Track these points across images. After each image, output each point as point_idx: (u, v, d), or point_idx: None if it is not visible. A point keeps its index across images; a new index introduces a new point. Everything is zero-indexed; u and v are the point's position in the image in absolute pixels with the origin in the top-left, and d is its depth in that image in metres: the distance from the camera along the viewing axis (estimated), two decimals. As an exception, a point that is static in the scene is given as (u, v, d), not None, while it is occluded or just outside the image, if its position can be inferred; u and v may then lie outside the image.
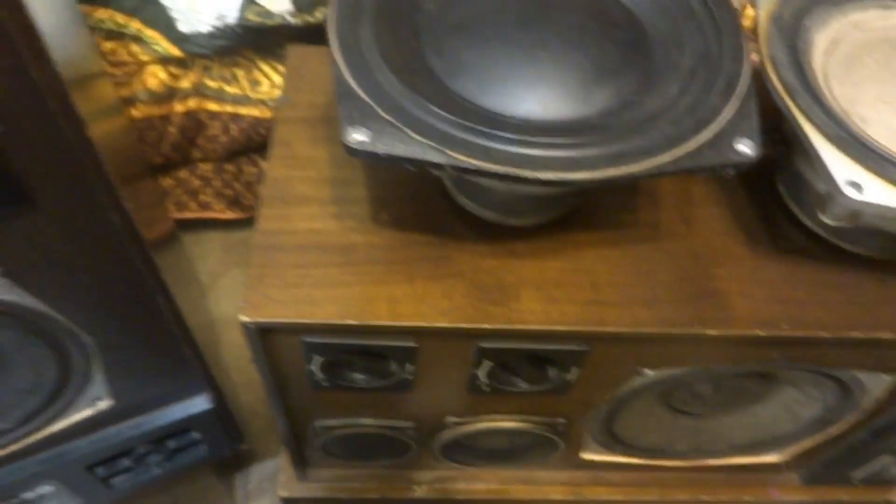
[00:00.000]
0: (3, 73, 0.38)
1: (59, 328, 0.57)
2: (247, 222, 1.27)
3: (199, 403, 0.74)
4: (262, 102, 1.10)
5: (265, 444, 1.05)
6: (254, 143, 1.14)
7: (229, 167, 1.20)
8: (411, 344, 0.56)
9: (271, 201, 0.59)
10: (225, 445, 0.83)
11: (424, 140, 0.42)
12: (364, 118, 0.42)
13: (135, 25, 0.99)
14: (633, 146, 0.43)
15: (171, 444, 0.78)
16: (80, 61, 0.56)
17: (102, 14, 0.97)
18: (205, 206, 1.22)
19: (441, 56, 0.48)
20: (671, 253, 0.59)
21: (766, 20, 0.55)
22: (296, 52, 0.69)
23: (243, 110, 1.12)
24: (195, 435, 0.79)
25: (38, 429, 0.67)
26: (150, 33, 1.01)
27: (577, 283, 0.56)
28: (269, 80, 1.09)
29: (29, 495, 0.74)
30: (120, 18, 0.99)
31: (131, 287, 0.56)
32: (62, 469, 0.72)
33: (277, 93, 1.08)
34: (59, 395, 0.65)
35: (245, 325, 0.53)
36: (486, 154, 0.41)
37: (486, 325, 0.53)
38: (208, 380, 0.71)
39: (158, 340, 0.63)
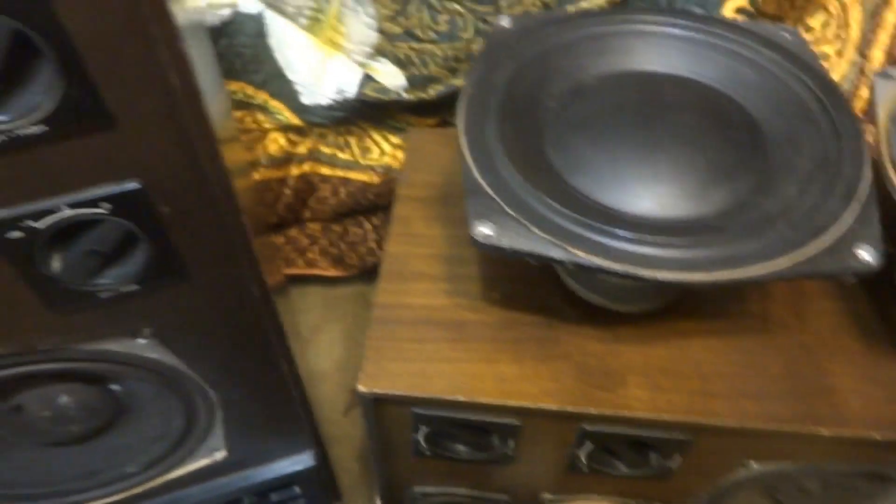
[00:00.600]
0: (179, 165, 0.44)
1: (191, 383, 0.62)
2: (347, 280, 1.32)
3: (304, 460, 0.78)
4: (371, 168, 1.16)
5: (354, 500, 1.07)
6: (360, 206, 1.20)
7: (336, 227, 1.26)
8: (515, 422, 0.58)
9: (389, 276, 0.62)
10: (323, 501, 0.86)
11: (546, 236, 0.44)
12: (490, 213, 0.45)
13: (262, 97, 1.08)
14: (749, 249, 0.44)
15: (274, 497, 0.82)
16: (227, 134, 0.62)
17: (235, 86, 1.06)
18: (311, 264, 1.29)
19: (561, 152, 0.51)
20: (781, 346, 0.59)
21: (886, 120, 0.55)
22: (415, 134, 0.74)
23: (353, 175, 1.18)
24: (297, 490, 0.82)
25: (159, 474, 0.72)
26: (275, 104, 1.10)
27: (684, 372, 0.56)
28: (378, 148, 1.16)
29: (144, 536, 0.78)
30: (250, 90, 1.08)
31: (258, 347, 0.60)
32: (175, 513, 0.77)
33: (386, 160, 1.14)
34: (182, 444, 0.70)
35: (361, 395, 0.57)
36: (605, 252, 0.43)
37: (592, 410, 0.54)
38: (314, 437, 0.75)
39: (275, 397, 0.67)
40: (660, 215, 0.47)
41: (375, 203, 1.19)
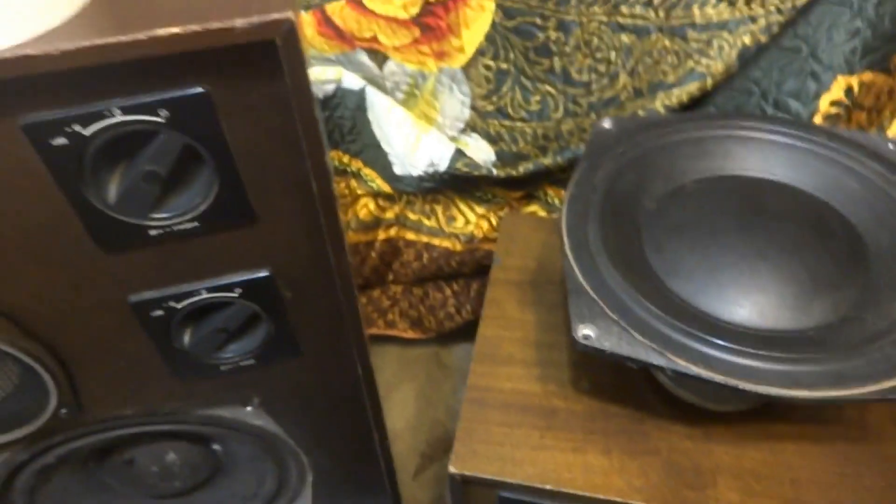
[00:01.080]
0: (307, 257, 0.48)
1: (286, 448, 0.65)
2: (424, 341, 1.35)
3: (383, 526, 0.80)
4: (455, 236, 1.20)
5: (421, 567, 1.07)
6: (442, 272, 1.24)
7: (417, 291, 1.30)
8: (600, 513, 0.58)
9: (482, 358, 0.65)
10: (396, 568, 0.87)
11: (647, 342, 0.46)
12: (592, 316, 0.47)
13: (357, 165, 1.14)
14: (854, 367, 0.44)
15: (352, 560, 0.83)
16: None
17: (332, 154, 1.12)
18: (390, 325, 1.32)
19: (660, 255, 0.53)
20: (880, 456, 0.57)
21: None
22: (509, 218, 0.76)
23: (437, 241, 1.22)
24: (373, 554, 0.84)
25: (246, 531, 0.75)
26: (368, 172, 1.15)
27: (777, 476, 0.56)
28: (464, 217, 1.19)
29: (226, 589, 0.81)
30: (346, 158, 1.14)
31: (354, 417, 0.63)
32: (258, 570, 0.79)
33: (470, 229, 1.17)
34: (271, 504, 0.73)
35: (451, 475, 0.58)
36: (706, 361, 0.45)
37: (681, 509, 0.55)
38: (395, 500, 0.77)
39: (364, 464, 0.70)
40: (759, 325, 0.48)
41: (457, 270, 1.22)
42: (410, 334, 1.33)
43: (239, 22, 0.34)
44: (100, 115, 0.37)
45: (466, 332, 1.34)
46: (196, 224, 0.43)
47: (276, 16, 0.34)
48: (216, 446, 0.67)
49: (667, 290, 0.50)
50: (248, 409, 0.59)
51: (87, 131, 0.38)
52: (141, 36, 0.34)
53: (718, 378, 0.44)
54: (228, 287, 0.48)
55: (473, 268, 1.21)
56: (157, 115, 0.38)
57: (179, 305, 0.48)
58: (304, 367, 0.56)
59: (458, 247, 1.20)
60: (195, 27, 0.34)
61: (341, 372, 0.57)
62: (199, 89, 0.37)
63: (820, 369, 0.44)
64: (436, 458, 1.23)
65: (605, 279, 0.49)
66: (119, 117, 0.38)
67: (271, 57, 0.36)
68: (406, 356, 1.39)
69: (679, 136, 0.59)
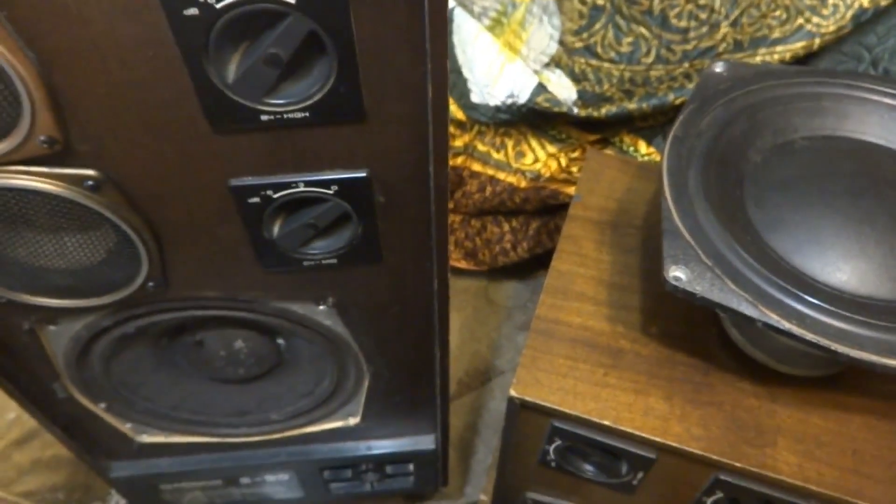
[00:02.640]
0: (408, 163, 0.47)
1: (349, 353, 0.67)
2: (474, 273, 1.36)
3: (426, 442, 0.82)
4: (521, 172, 1.18)
5: (450, 488, 1.11)
6: (503, 207, 1.23)
7: (475, 223, 1.30)
8: (651, 455, 0.59)
9: (553, 291, 0.65)
10: (431, 483, 0.90)
11: (740, 291, 0.45)
12: (686, 259, 0.47)
13: (433, 88, 1.12)
14: (952, 344, 0.43)
15: (390, 469, 0.86)
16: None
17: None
18: (448, 257, 1.33)
19: (761, 208, 0.51)
20: (946, 441, 0.57)
21: None
22: (593, 156, 0.75)
23: (502, 175, 1.21)
24: (410, 467, 0.86)
25: (297, 426, 0.78)
26: (444, 97, 1.13)
27: (839, 446, 0.56)
28: (533, 154, 1.18)
29: (270, 478, 0.85)
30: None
31: (421, 332, 0.64)
32: (301, 465, 0.83)
33: (538, 167, 1.16)
34: (325, 404, 0.75)
35: (511, 398, 0.59)
36: (800, 319, 0.44)
37: (737, 463, 0.55)
38: (442, 424, 0.79)
39: (420, 380, 0.71)
40: (857, 291, 0.47)
41: (519, 207, 1.22)
42: (463, 265, 1.34)
43: None
44: (234, -12, 0.37)
45: (518, 270, 1.35)
46: (306, 114, 0.43)
47: None
48: (281, 341, 0.69)
49: (764, 244, 0.49)
50: (321, 307, 0.60)
51: (220, 4, 0.37)
52: None
53: (810, 337, 0.43)
54: (325, 183, 0.48)
55: (536, 206, 1.20)
56: (290, -5, 0.37)
57: (276, 195, 0.48)
58: (383, 273, 0.57)
59: (524, 183, 1.18)
60: None
61: (417, 284, 0.58)
62: (335, -27, 0.36)
63: (917, 342, 0.43)
64: (473, 387, 1.25)
65: (702, 224, 0.49)
66: (253, -8, 0.37)
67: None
68: (455, 286, 1.40)
69: (794, 89, 0.56)
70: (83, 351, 0.61)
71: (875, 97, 0.56)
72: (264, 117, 0.43)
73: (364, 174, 0.48)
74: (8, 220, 0.47)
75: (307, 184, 0.48)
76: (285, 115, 0.43)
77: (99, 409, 0.69)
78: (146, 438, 0.75)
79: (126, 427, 0.73)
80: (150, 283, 0.54)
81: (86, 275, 0.53)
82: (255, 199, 0.49)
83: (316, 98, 0.42)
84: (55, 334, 0.58)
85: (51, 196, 0.45)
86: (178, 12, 0.37)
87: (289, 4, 0.38)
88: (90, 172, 0.45)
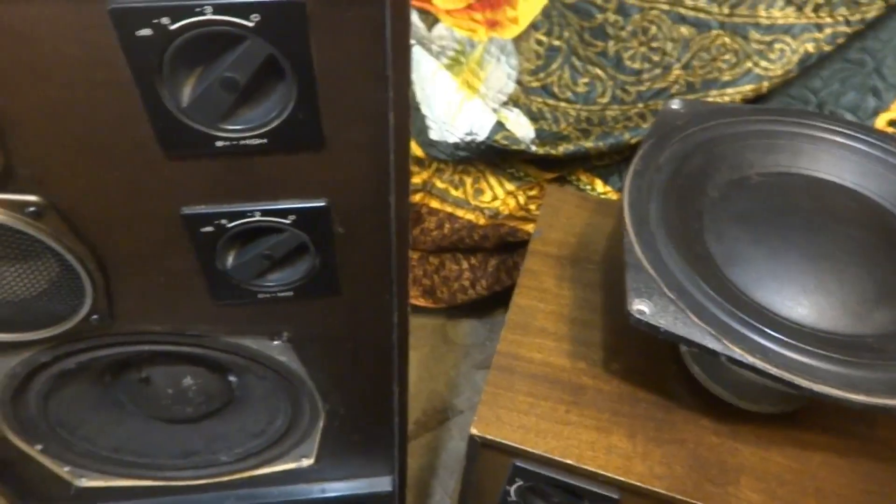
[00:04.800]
0: (369, 192, 0.46)
1: (305, 391, 0.64)
2: (432, 311, 1.34)
3: (383, 484, 0.79)
4: (480, 209, 1.18)
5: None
6: (462, 244, 1.22)
7: (433, 260, 1.29)
8: (614, 496, 0.58)
9: (514, 326, 0.64)
10: (388, 527, 0.87)
11: (704, 325, 0.45)
12: (649, 292, 0.46)
13: (393, 124, 1.11)
14: (911, 378, 0.43)
15: (346, 513, 0.83)
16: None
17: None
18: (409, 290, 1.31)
19: (720, 242, 0.51)
20: (904, 478, 0.57)
21: None
22: (553, 191, 0.75)
23: (461, 212, 1.21)
24: (368, 511, 0.83)
25: (247, 468, 0.75)
26: (403, 133, 1.13)
27: (801, 484, 0.55)
28: (492, 192, 1.18)
29: (218, 524, 0.81)
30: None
31: (379, 367, 0.62)
32: (252, 509, 0.79)
33: (497, 204, 1.16)
34: (277, 444, 0.72)
35: (472, 437, 0.58)
36: (764, 353, 0.44)
37: (700, 503, 0.54)
38: (400, 464, 0.76)
39: (377, 418, 0.69)
40: (817, 326, 0.47)
41: (478, 244, 1.21)
42: (421, 302, 1.32)
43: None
44: (190, 11, 0.36)
45: (476, 308, 1.34)
46: (264, 141, 0.42)
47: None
48: (233, 378, 0.66)
49: (724, 278, 0.49)
50: (276, 343, 0.58)
51: (174, 25, 0.36)
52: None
53: (774, 371, 0.43)
54: (283, 213, 0.47)
55: (495, 243, 1.20)
56: (248, 20, 0.36)
57: (230, 224, 0.47)
58: (341, 307, 0.55)
59: (482, 220, 1.18)
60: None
61: (377, 318, 0.56)
62: (296, -3, 0.36)
63: (878, 376, 0.44)
64: (430, 427, 1.23)
65: (663, 257, 0.48)
66: (209, 15, 0.36)
67: (376, -27, 0.35)
68: (413, 324, 1.36)
69: (749, 126, 0.58)
70: (19, 388, 0.57)
71: (827, 135, 0.58)
72: (220, 143, 0.42)
73: (323, 203, 0.47)
74: (-60, 247, 0.44)
75: (263, 213, 0.47)
76: (241, 142, 0.42)
77: (34, 451, 0.65)
78: (85, 482, 0.71)
79: (64, 470, 0.69)
80: (94, 317, 0.51)
81: (24, 306, 0.50)
82: (209, 229, 0.47)
83: (274, 124, 0.41)
84: (-12, 371, 0.55)
85: (-12, 222, 0.43)
86: (131, 33, 0.36)
87: (246, 28, 0.37)
88: (32, 198, 0.43)
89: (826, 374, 0.43)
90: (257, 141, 0.42)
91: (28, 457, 0.65)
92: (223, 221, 0.46)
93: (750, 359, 0.43)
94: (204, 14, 0.36)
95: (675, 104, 0.60)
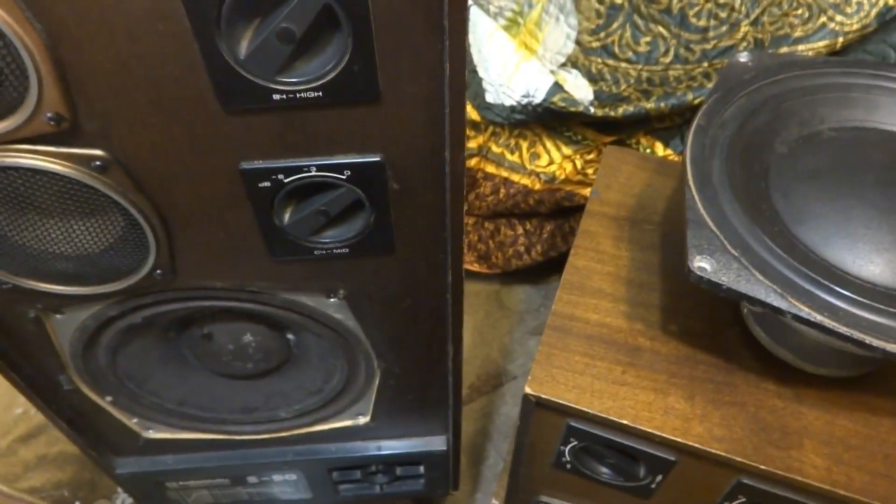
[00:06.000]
0: (424, 149, 0.46)
1: (360, 349, 0.65)
2: (487, 277, 1.34)
3: (437, 444, 0.80)
4: (536, 174, 1.17)
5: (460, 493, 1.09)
6: (517, 209, 1.21)
7: (489, 225, 1.28)
8: (671, 458, 0.57)
9: (569, 287, 0.63)
10: (440, 487, 0.88)
11: (768, 283, 0.43)
12: (711, 249, 0.45)
13: (448, 88, 1.10)
14: None
15: (399, 471, 0.84)
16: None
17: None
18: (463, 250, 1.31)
19: (787, 199, 0.49)
20: (980, 446, 0.54)
21: None
22: (611, 151, 0.73)
23: (516, 177, 1.19)
24: (421, 469, 0.84)
25: (305, 425, 0.77)
26: (459, 96, 1.12)
27: (869, 449, 0.53)
28: (548, 156, 1.16)
29: (277, 477, 0.83)
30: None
31: (434, 328, 0.62)
32: (310, 464, 0.81)
33: (553, 169, 1.15)
34: (334, 402, 0.73)
35: (526, 396, 0.58)
36: (832, 311, 0.42)
37: (761, 466, 0.53)
38: (454, 426, 0.77)
39: (432, 379, 0.69)
40: (890, 284, 0.45)
41: (533, 209, 1.20)
42: (476, 268, 1.32)
43: None
44: (247, -41, 0.36)
45: (531, 274, 1.33)
46: (319, 94, 0.42)
47: None
48: (291, 336, 0.67)
49: (792, 236, 0.47)
50: (332, 300, 0.59)
51: (232, -26, 0.36)
52: None
53: (843, 330, 0.41)
54: (338, 168, 0.47)
55: (550, 208, 1.18)
56: (304, -34, 0.36)
57: (287, 179, 0.47)
58: (395, 265, 0.55)
59: (538, 185, 1.17)
60: None
61: (431, 277, 0.56)
62: (352, -57, 0.35)
63: (955, 336, 0.41)
64: (484, 392, 1.23)
65: (727, 214, 0.47)
66: (265, -36, 0.36)
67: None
68: (467, 290, 1.37)
69: (821, 80, 0.55)
70: (89, 342, 0.60)
71: (906, 88, 0.54)
72: (276, 96, 0.42)
73: (378, 159, 0.47)
74: (13, 202, 0.46)
75: (319, 168, 0.47)
76: (298, 95, 0.42)
77: (105, 403, 0.68)
78: (152, 434, 0.74)
79: (132, 422, 0.72)
80: (158, 272, 0.52)
81: (92, 261, 0.51)
82: (266, 184, 0.47)
83: (330, 77, 0.41)
84: (61, 324, 0.57)
85: (57, 177, 0.44)
86: (189, -19, 0.36)
87: (303, -24, 0.36)
88: (97, 152, 0.44)
89: (899, 334, 0.41)
90: (313, 94, 0.42)
91: (99, 408, 0.68)
92: (280, 177, 0.47)
93: (818, 317, 0.42)
94: (260, -37, 0.36)
95: (743, 57, 0.58)
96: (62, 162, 0.44)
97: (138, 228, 0.49)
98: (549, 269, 1.29)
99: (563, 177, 1.13)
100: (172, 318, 0.60)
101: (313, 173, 0.47)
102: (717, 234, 0.45)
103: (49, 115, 0.41)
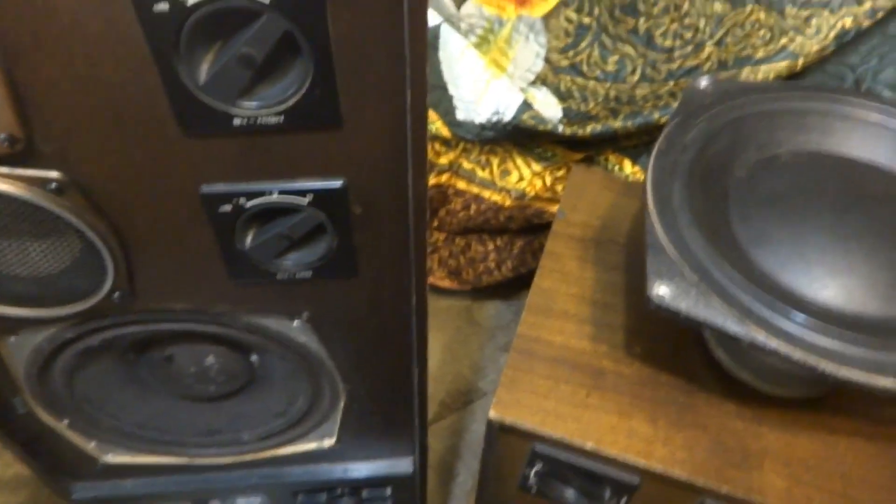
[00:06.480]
0: (386, 172, 0.46)
1: (325, 371, 0.65)
2: (458, 293, 1.34)
3: (404, 465, 0.79)
4: (506, 191, 1.18)
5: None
6: (488, 225, 1.22)
7: (459, 241, 1.28)
8: (635, 481, 0.57)
9: (534, 309, 0.63)
10: (408, 507, 0.87)
11: (726, 309, 0.44)
12: (670, 274, 0.45)
13: (418, 105, 1.11)
14: (943, 364, 0.42)
15: (366, 493, 0.83)
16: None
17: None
18: (427, 272, 1.31)
19: (746, 224, 0.50)
20: (935, 465, 0.55)
21: None
22: (578, 171, 0.74)
23: (487, 193, 1.20)
24: (388, 492, 0.84)
25: (269, 447, 0.76)
26: (429, 113, 1.12)
27: (827, 470, 0.54)
28: (518, 173, 1.17)
29: (241, 501, 0.82)
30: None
31: (398, 349, 0.62)
32: (274, 488, 0.80)
33: (523, 185, 1.15)
34: (299, 424, 0.73)
35: (490, 421, 0.57)
36: (787, 337, 0.43)
37: (723, 488, 0.53)
38: (421, 447, 0.76)
39: (397, 399, 0.69)
40: (845, 308, 0.46)
41: (503, 225, 1.20)
42: (447, 284, 1.32)
43: None
44: (206, -15, 0.35)
45: (502, 290, 1.33)
46: (280, 119, 0.42)
47: None
48: (254, 357, 0.66)
49: (750, 260, 0.48)
50: (295, 323, 0.58)
51: (190, 1, 0.36)
52: None
53: (797, 356, 0.42)
54: (300, 192, 0.46)
55: (520, 224, 1.19)
56: (264, -7, 0.36)
57: (249, 203, 0.47)
58: (359, 288, 0.55)
59: (508, 202, 1.17)
60: None
61: (395, 299, 0.56)
62: (312, -29, 0.35)
63: (908, 361, 0.42)
64: (454, 409, 1.23)
65: (686, 239, 0.47)
66: (225, -11, 0.36)
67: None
68: (438, 306, 1.38)
69: (779, 104, 0.56)
70: (45, 364, 0.58)
71: (860, 113, 0.56)
72: (237, 121, 0.42)
73: (340, 183, 0.47)
74: (-35, 224, 0.45)
75: (281, 192, 0.47)
76: (259, 120, 0.42)
77: (61, 426, 0.66)
78: (111, 458, 0.72)
79: (90, 446, 0.70)
80: (116, 294, 0.52)
81: (49, 283, 0.50)
82: (227, 207, 0.47)
83: (291, 102, 0.41)
84: (15, 346, 0.56)
85: (12, 199, 0.43)
86: (149, 8, 0.36)
87: (263, 3, 0.36)
88: (54, 174, 0.43)
89: (852, 359, 0.42)
90: (275, 119, 0.42)
91: (55, 432, 0.67)
92: (241, 200, 0.46)
93: (773, 343, 0.42)
94: (219, -13, 0.36)
95: (703, 82, 0.59)
96: (17, 183, 0.43)
97: (96, 251, 0.48)
98: (519, 284, 1.29)
99: (533, 193, 1.14)
100: (132, 340, 0.59)
101: (275, 197, 0.47)
102: (676, 259, 0.46)
103: (3, 136, 0.40)
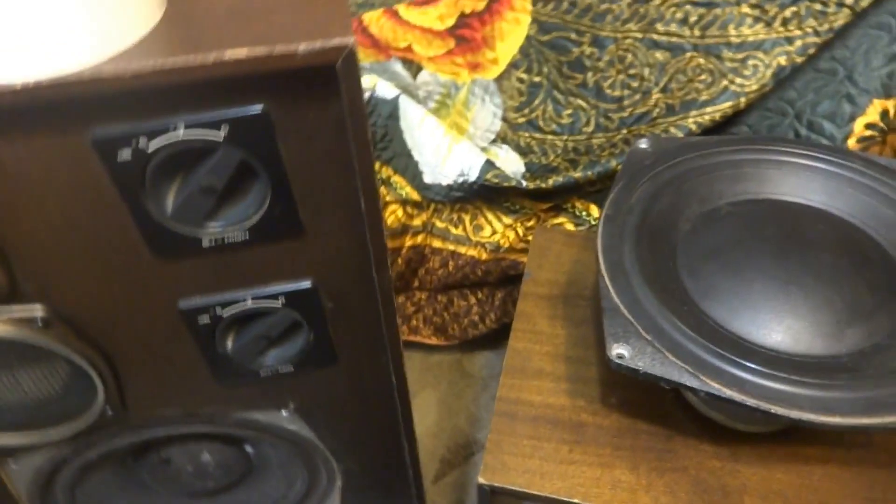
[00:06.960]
0: (350, 270, 0.49)
1: (318, 453, 0.67)
2: (447, 348, 1.36)
3: (407, 532, 0.81)
4: (481, 245, 1.21)
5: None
6: (468, 280, 1.25)
7: (441, 298, 1.31)
8: (625, 528, 0.59)
9: (511, 371, 0.66)
10: (417, 574, 0.88)
11: (681, 363, 0.46)
12: (626, 335, 0.48)
13: (387, 172, 1.15)
14: (887, 394, 0.45)
15: (374, 563, 0.84)
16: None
17: (364, 163, 1.13)
18: (414, 331, 1.34)
19: (694, 277, 0.53)
20: (907, 483, 0.58)
21: None
22: (541, 233, 0.77)
23: (463, 249, 1.23)
24: (395, 559, 0.85)
25: (272, 532, 0.77)
26: (398, 179, 1.17)
27: (804, 499, 0.56)
28: (490, 227, 1.20)
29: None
30: (376, 166, 1.15)
31: (386, 426, 0.64)
32: (283, 569, 0.81)
33: (497, 238, 1.19)
34: (299, 506, 0.74)
35: (480, 486, 0.60)
36: (738, 384, 0.45)
37: (707, 529, 0.55)
38: (420, 508, 0.78)
39: (392, 472, 0.71)
40: (793, 350, 0.49)
41: (482, 279, 1.24)
42: (434, 341, 1.34)
43: (302, 46, 0.36)
44: (164, 130, 0.39)
45: (490, 340, 1.36)
46: (246, 235, 0.45)
47: (337, 41, 0.36)
48: (249, 448, 0.68)
49: (701, 313, 0.51)
50: (284, 413, 0.60)
51: (151, 146, 0.39)
52: (208, 59, 0.35)
53: (751, 402, 0.45)
54: (273, 296, 0.49)
55: (498, 277, 1.22)
56: (218, 131, 0.39)
57: (225, 312, 0.49)
58: (340, 374, 0.58)
59: (484, 256, 1.21)
60: (261, 51, 0.35)
61: (376, 381, 0.59)
62: (259, 108, 0.39)
63: (853, 396, 0.45)
64: (456, 465, 1.24)
65: (639, 300, 0.50)
66: (182, 132, 0.39)
67: (330, 80, 0.38)
68: (428, 362, 1.40)
69: (716, 158, 0.60)
70: (46, 484, 0.60)
71: (791, 159, 0.59)
72: (205, 242, 0.45)
73: (309, 284, 0.50)
74: (-43, 365, 0.48)
75: (255, 298, 0.49)
76: (226, 239, 0.45)
77: (67, 539, 0.68)
78: (118, 562, 0.73)
79: (97, 553, 0.71)
80: (108, 410, 0.54)
81: (42, 408, 0.53)
82: (206, 318, 0.50)
83: (255, 220, 0.44)
84: (16, 472, 0.58)
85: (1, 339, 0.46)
86: (113, 159, 0.39)
87: (217, 139, 0.40)
88: (38, 309, 0.46)
89: (802, 400, 0.45)
90: (241, 236, 0.45)
91: (62, 544, 0.68)
92: (218, 310, 0.49)
93: (727, 392, 0.45)
94: (177, 131, 0.39)
95: (643, 143, 0.63)
96: (4, 325, 0.45)
97: (84, 373, 0.50)
98: (506, 334, 1.31)
99: (507, 245, 1.17)
100: (129, 448, 0.61)
101: (249, 303, 0.50)
102: (630, 320, 0.49)
103: (-13, 284, 0.43)
